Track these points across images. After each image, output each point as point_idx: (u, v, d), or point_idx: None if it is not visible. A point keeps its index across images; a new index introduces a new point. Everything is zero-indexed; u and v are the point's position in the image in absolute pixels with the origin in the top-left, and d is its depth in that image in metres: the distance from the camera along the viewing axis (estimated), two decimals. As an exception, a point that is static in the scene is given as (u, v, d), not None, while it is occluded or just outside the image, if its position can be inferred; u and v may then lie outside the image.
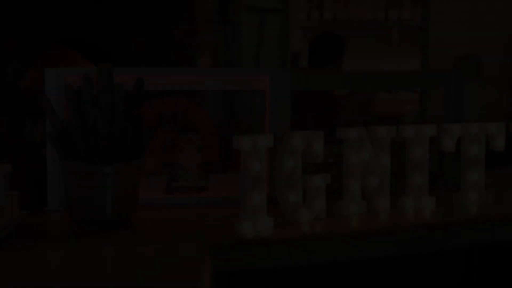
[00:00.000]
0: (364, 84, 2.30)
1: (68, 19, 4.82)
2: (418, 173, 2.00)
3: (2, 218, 1.60)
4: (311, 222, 1.84)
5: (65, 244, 1.64)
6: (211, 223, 1.82)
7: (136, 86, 1.81)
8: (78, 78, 1.79)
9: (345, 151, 1.92)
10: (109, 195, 1.73)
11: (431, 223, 1.88)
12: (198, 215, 1.90)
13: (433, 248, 1.87)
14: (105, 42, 4.86)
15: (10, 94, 4.56)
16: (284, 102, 2.07)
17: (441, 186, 2.33)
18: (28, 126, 4.60)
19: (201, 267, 1.47)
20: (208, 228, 1.78)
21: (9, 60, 4.51)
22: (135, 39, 5.04)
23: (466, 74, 6.28)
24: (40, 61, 4.68)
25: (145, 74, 2.02)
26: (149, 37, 5.19)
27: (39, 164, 1.97)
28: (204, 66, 5.92)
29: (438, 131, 2.06)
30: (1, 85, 4.53)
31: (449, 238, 1.86)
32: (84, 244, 1.62)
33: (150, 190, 2.04)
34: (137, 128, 1.77)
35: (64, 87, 1.74)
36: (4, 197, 1.56)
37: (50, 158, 1.93)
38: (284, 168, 1.81)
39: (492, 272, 2.06)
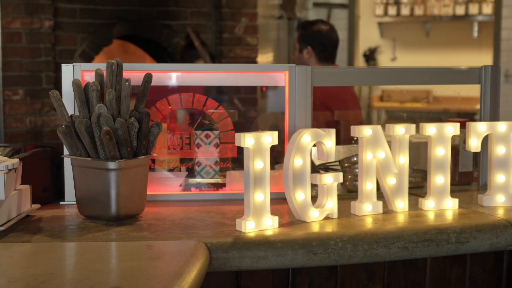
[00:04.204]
0: (392, 80, 2.21)
1: (127, 15, 4.88)
2: (439, 173, 1.92)
3: (2, 211, 1.63)
4: (320, 222, 1.79)
5: (65, 238, 1.65)
6: (218, 221, 1.79)
7: (144, 82, 1.81)
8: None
9: (359, 149, 1.86)
10: (114, 190, 1.73)
11: (449, 225, 1.80)
12: (208, 212, 1.88)
13: (453, 251, 1.79)
14: (165, 37, 4.90)
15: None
16: (304, 99, 2.03)
17: (479, 186, 2.24)
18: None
19: (198, 264, 1.45)
20: (213, 226, 1.75)
21: (70, 56, 4.61)
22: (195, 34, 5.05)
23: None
24: (100, 56, 4.75)
25: (164, 70, 2.02)
26: (209, 32, 5.20)
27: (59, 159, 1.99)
28: (265, 63, 5.89)
29: (465, 130, 1.98)
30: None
31: (469, 241, 1.78)
32: (85, 238, 1.63)
33: (167, 186, 2.03)
34: (143, 123, 1.76)
35: (72, 82, 1.75)
36: (3, 191, 1.58)
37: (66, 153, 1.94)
38: (292, 166, 1.76)
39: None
